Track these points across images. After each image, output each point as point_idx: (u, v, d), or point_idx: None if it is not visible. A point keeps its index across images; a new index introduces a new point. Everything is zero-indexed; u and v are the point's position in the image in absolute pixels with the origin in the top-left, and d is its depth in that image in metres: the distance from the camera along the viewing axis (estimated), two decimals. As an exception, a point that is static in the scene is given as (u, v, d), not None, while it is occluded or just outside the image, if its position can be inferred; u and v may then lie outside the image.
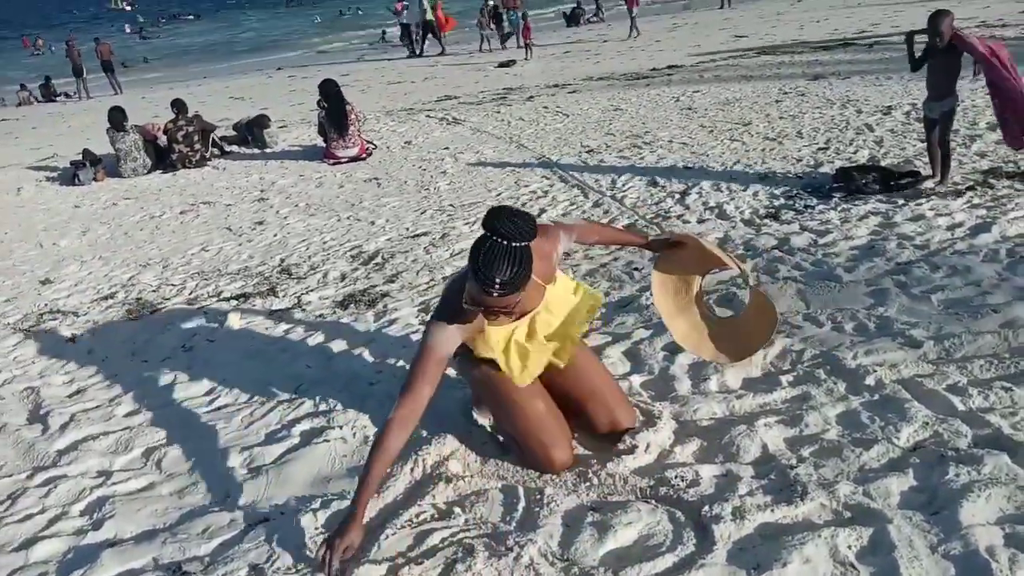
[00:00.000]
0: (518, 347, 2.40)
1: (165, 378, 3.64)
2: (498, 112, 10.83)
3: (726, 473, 2.30)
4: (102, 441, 3.06)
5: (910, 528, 1.94)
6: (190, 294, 4.93)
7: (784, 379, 2.85)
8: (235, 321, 4.28)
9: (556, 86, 12.85)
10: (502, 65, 17.59)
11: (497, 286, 2.03)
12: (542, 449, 2.39)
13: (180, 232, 6.64)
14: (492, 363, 2.46)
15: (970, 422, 2.36)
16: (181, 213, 7.29)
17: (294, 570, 2.12)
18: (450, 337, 2.27)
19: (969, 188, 4.92)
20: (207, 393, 3.44)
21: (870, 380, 2.71)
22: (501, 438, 2.68)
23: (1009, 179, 4.99)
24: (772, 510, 2.08)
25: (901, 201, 4.89)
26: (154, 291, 5.08)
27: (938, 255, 3.89)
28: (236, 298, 4.71)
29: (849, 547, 1.92)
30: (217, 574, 2.13)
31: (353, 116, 8.78)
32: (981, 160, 5.47)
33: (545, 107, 10.67)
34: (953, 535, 1.89)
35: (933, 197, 4.85)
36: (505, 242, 2.03)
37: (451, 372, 3.14)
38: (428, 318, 2.37)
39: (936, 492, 2.08)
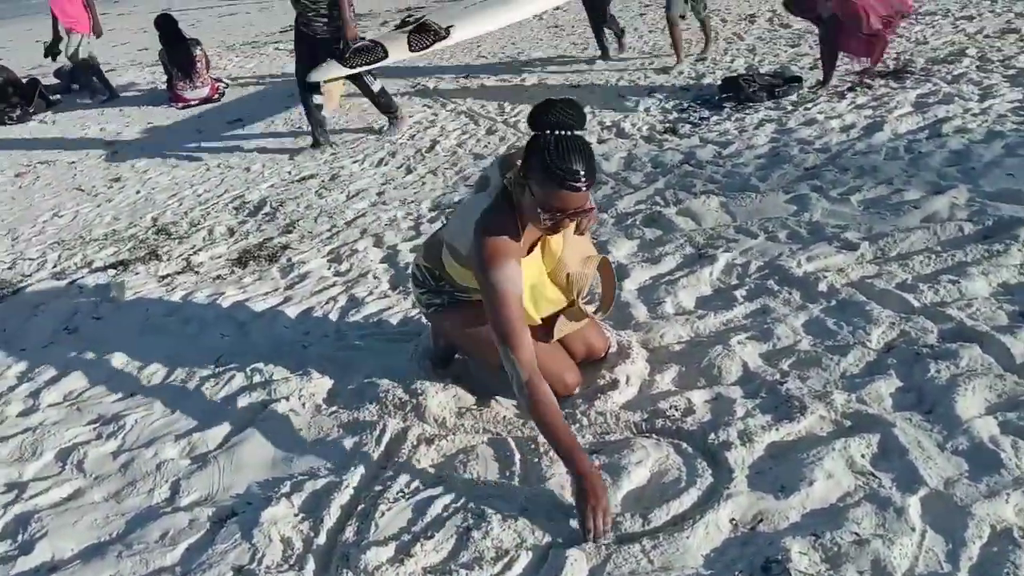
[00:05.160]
0: (541, 279, 2.23)
1: (53, 367, 3.19)
2: (353, 41, 10.24)
3: (716, 397, 2.26)
4: (0, 448, 2.65)
5: (913, 429, 1.97)
6: (54, 267, 4.36)
7: (738, 294, 2.84)
8: (120, 293, 3.82)
9: (407, 9, 12.28)
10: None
11: (583, 178, 1.88)
12: (554, 377, 2.24)
13: (21, 198, 5.86)
14: (477, 308, 2.29)
15: (932, 317, 2.43)
16: (16, 176, 6.43)
17: (286, 565, 1.91)
18: (517, 273, 2.05)
19: (849, 89, 5.11)
20: (111, 378, 3.04)
21: (822, 286, 2.75)
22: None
23: (883, 78, 5.21)
24: (776, 429, 2.06)
25: (789, 107, 5.01)
26: (9, 268, 4.46)
27: (842, 157, 4.01)
28: (113, 267, 4.21)
29: (863, 456, 1.92)
30: (197, 584, 1.88)
31: (200, 52, 8.00)
32: (853, 62, 5.67)
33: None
34: (956, 431, 1.93)
35: (819, 101, 4.99)
36: (571, 132, 1.89)
37: (385, 329, 2.95)
38: (477, 265, 2.06)
39: (923, 390, 2.12)
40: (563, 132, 1.89)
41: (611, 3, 7.25)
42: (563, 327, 2.35)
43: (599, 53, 7.27)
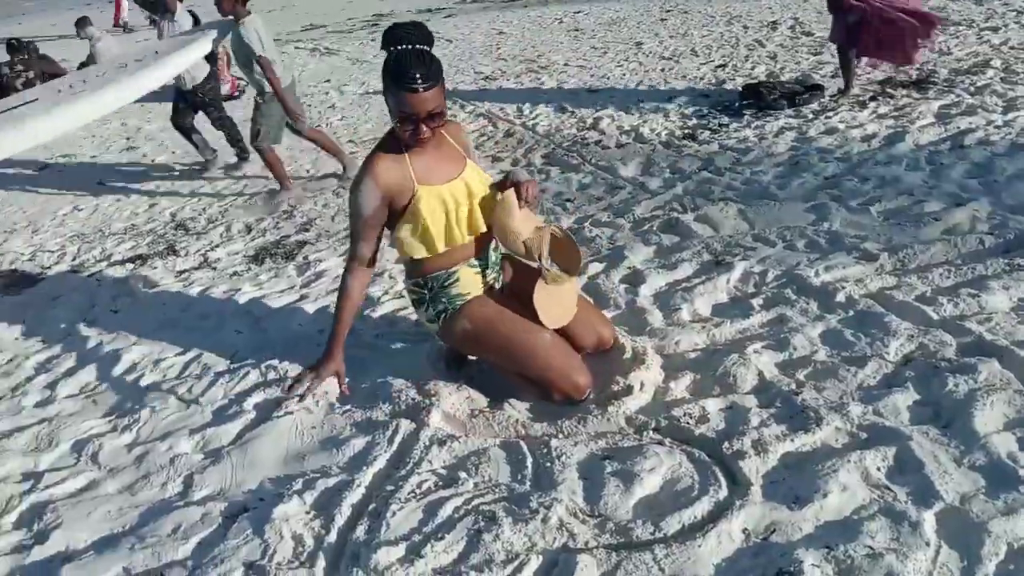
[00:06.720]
0: (455, 205, 2.28)
1: (70, 358, 3.22)
2: (373, 40, 10.29)
3: (731, 405, 2.25)
4: (17, 439, 2.67)
5: (930, 443, 1.95)
6: (74, 260, 4.41)
7: (754, 303, 2.82)
8: (138, 287, 3.85)
9: (429, 11, 12.33)
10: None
11: (419, 79, 2.04)
12: (565, 377, 2.30)
13: (42, 191, 5.91)
14: (484, 310, 2.37)
15: (951, 331, 2.41)
16: (41, 169, 6.50)
17: (297, 562, 1.91)
18: (376, 199, 2.24)
19: (871, 99, 5.07)
20: (128, 371, 3.06)
21: (840, 297, 2.73)
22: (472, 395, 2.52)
23: (904, 88, 5.18)
24: (791, 439, 2.05)
25: (810, 115, 4.98)
26: (29, 260, 4.51)
27: (863, 167, 3.98)
28: (131, 260, 4.24)
29: (878, 468, 1.91)
30: (209, 578, 1.89)
31: (221, 49, 8.04)
32: (874, 71, 5.64)
33: (423, 34, 10.24)
34: (973, 446, 1.91)
35: (840, 110, 4.96)
36: (410, 45, 2.08)
37: (399, 329, 2.95)
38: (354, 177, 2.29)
39: (940, 404, 2.10)
40: (403, 46, 2.08)
41: (216, 109, 5.92)
42: (542, 297, 2.33)
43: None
